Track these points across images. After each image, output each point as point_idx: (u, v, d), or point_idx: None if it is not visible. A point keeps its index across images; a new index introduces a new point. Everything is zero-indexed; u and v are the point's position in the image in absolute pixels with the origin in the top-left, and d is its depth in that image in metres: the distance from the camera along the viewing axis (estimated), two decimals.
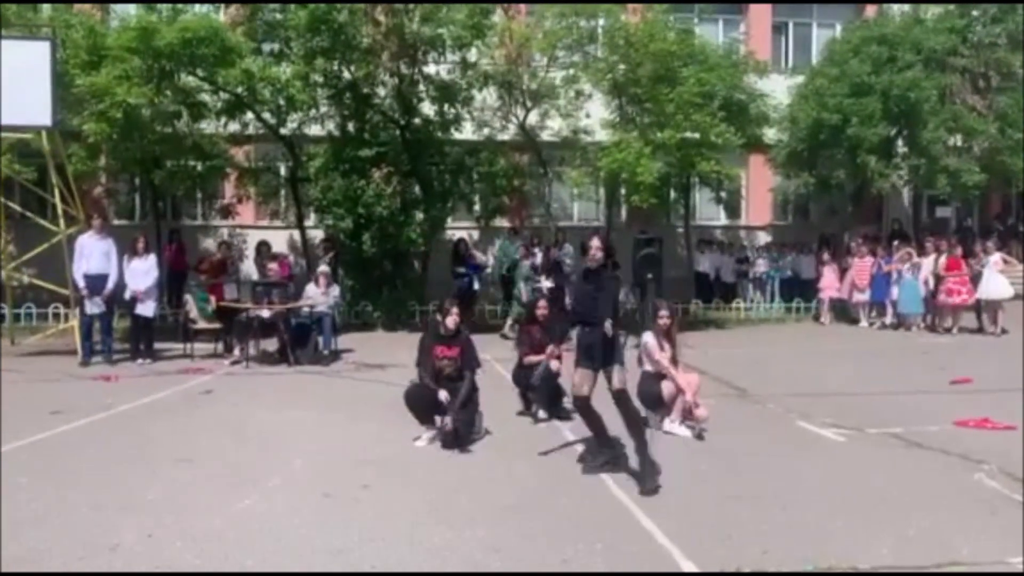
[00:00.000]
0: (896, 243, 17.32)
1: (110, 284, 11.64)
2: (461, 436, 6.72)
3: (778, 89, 18.16)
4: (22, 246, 13.70)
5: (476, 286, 16.34)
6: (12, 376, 10.50)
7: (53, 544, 4.52)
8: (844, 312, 17.40)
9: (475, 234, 18.76)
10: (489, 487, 5.67)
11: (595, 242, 5.90)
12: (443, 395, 6.75)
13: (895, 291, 16.12)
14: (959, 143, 18.28)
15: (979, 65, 18.15)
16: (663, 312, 7.54)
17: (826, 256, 17.66)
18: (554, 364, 7.87)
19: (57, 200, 12.84)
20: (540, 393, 7.79)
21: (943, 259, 15.46)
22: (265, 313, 11.71)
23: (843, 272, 17.27)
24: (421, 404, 6.90)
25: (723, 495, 5.44)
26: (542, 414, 7.75)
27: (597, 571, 4.15)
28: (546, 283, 15.68)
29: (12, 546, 4.48)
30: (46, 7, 15.93)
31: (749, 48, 19.04)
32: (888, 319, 16.41)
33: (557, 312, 8.75)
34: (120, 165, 16.78)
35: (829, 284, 17.30)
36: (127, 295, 11.91)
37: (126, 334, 12.68)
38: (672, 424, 7.24)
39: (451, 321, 7.05)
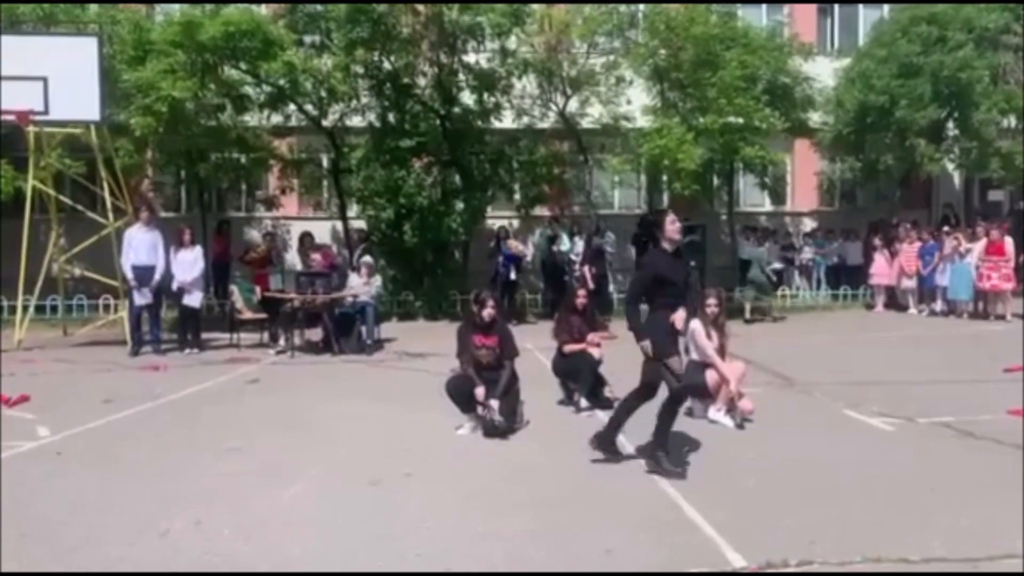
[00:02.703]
0: (946, 228, 16.94)
1: (157, 275, 11.84)
2: (503, 425, 6.73)
3: (824, 72, 17.81)
4: (72, 239, 14.01)
5: (512, 276, 16.31)
6: (65, 365, 10.79)
7: (104, 530, 4.62)
8: (892, 299, 17.07)
9: (515, 223, 18.74)
10: (531, 476, 5.66)
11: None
12: (479, 392, 6.76)
13: (944, 277, 15.78)
14: (1012, 124, 17.77)
15: None
16: (711, 300, 7.45)
17: (877, 242, 17.29)
18: (596, 352, 7.85)
19: (106, 193, 13.10)
20: (582, 382, 7.77)
21: (982, 244, 15.12)
22: (296, 303, 11.84)
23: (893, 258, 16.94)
24: (462, 393, 6.92)
25: (770, 485, 5.37)
26: (584, 403, 7.72)
27: (641, 561, 4.12)
28: (588, 271, 15.67)
29: (65, 533, 4.59)
30: (93, 4, 16.21)
31: (793, 30, 18.69)
32: (938, 306, 16.06)
33: (599, 300, 8.76)
34: (166, 158, 17.08)
35: (880, 271, 16.97)
36: (174, 286, 12.12)
37: (174, 324, 12.91)
38: (717, 413, 7.17)
39: (487, 313, 7.06)
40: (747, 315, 15.22)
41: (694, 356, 7.35)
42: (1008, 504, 4.87)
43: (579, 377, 7.81)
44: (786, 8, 20.41)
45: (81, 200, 14.60)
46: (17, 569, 4.06)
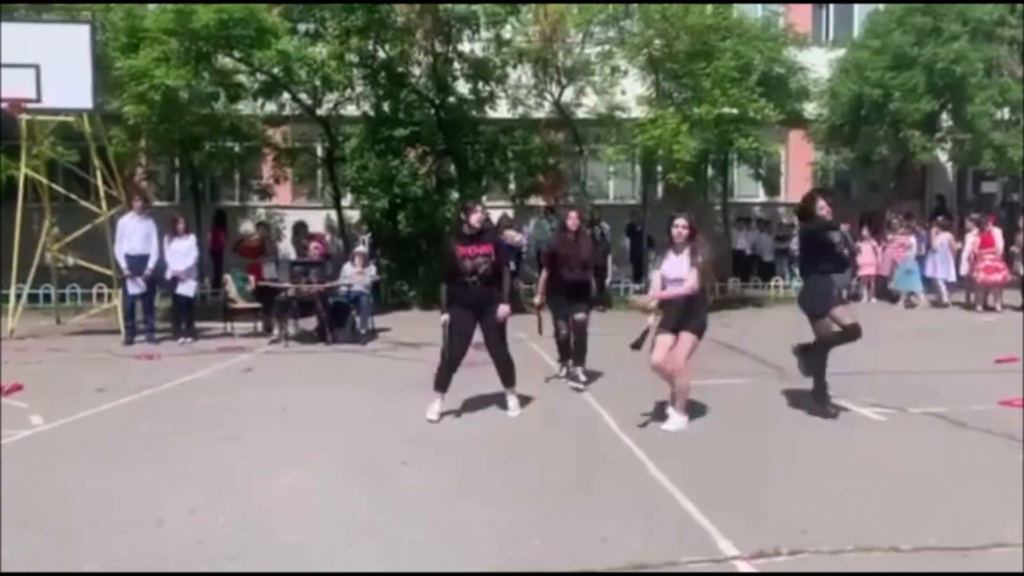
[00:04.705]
0: (940, 218, 17.01)
1: (151, 264, 11.82)
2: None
3: (819, 63, 17.79)
4: (66, 228, 13.95)
5: (512, 266, 16.27)
6: (58, 354, 10.76)
7: (99, 519, 4.62)
8: (885, 290, 17.13)
9: (510, 213, 18.73)
10: (527, 464, 5.68)
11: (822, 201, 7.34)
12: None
13: (935, 270, 15.92)
14: (1006, 117, 17.79)
15: None
16: (679, 221, 6.70)
17: (865, 232, 17.33)
18: (579, 316, 7.99)
19: (99, 182, 13.04)
20: (577, 354, 8.18)
21: (973, 235, 15.25)
22: (291, 292, 11.82)
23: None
24: (446, 372, 6.97)
25: (762, 475, 5.40)
26: (582, 377, 7.88)
27: (635, 550, 4.14)
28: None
29: (58, 521, 4.59)
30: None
31: (789, 20, 18.67)
32: (929, 297, 16.18)
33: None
34: (160, 147, 17.01)
35: (867, 261, 17.03)
36: (168, 275, 12.09)
37: (168, 313, 12.89)
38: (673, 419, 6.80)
39: (476, 218, 6.86)
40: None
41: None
42: (999, 494, 4.91)
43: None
44: None
45: (74, 189, 14.50)
46: (11, 556, 4.06)
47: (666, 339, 6.61)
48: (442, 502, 4.91)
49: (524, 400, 7.33)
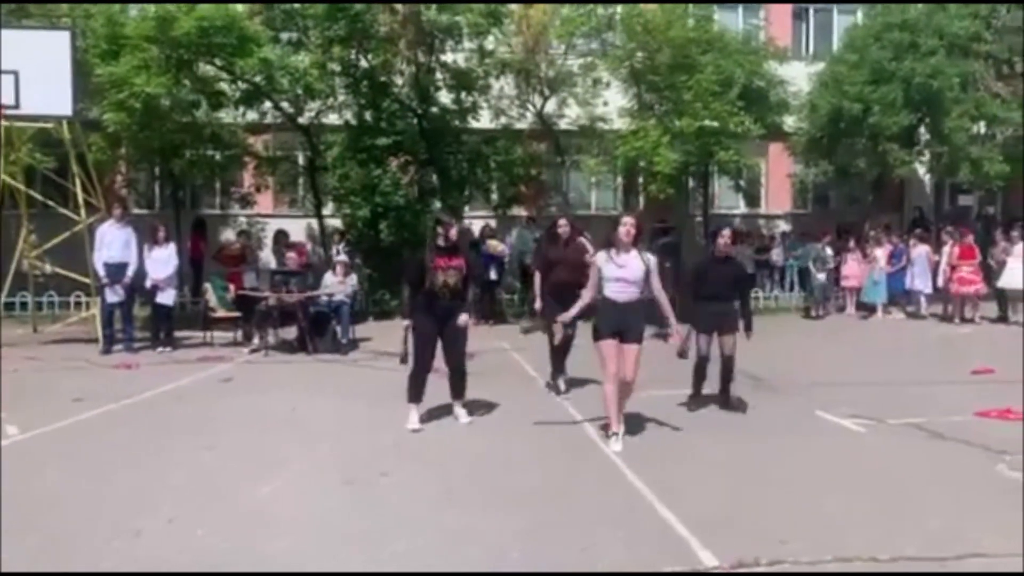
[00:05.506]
0: (918, 230, 17.18)
1: (130, 272, 11.72)
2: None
3: (798, 76, 17.97)
4: (44, 235, 13.81)
5: (492, 275, 16.27)
6: (35, 363, 10.62)
7: (77, 529, 4.58)
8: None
9: (493, 223, 18.77)
10: (509, 474, 5.68)
11: (726, 232, 7.67)
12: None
13: (915, 281, 16.07)
14: (982, 131, 18.04)
15: (1003, 51, 17.88)
16: (628, 219, 6.49)
17: (852, 244, 17.43)
18: (570, 331, 8.09)
19: (78, 189, 12.90)
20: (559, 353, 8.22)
21: (949, 247, 15.43)
22: (271, 302, 11.75)
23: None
24: (418, 382, 7.05)
25: (742, 485, 5.43)
26: (563, 386, 7.97)
27: (615, 559, 4.15)
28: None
29: (36, 532, 4.53)
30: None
31: (769, 34, 18.85)
32: (907, 308, 16.34)
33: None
34: (140, 154, 16.84)
35: (851, 273, 17.15)
36: (147, 284, 12.00)
37: (146, 322, 12.78)
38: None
39: (454, 232, 7.07)
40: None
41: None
42: (976, 504, 4.96)
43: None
44: (762, 12, 20.58)
45: (53, 196, 14.35)
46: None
47: (613, 346, 6.35)
48: (425, 510, 4.90)
49: (475, 407, 7.37)
